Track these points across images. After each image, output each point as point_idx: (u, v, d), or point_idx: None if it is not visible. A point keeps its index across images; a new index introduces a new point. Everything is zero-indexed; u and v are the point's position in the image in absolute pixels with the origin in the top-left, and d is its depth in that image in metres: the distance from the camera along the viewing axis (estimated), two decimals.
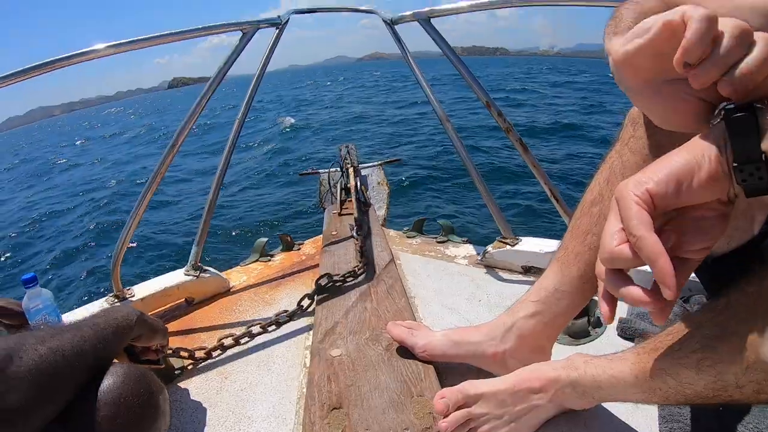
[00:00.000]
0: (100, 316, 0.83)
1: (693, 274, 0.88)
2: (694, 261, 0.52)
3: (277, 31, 1.59)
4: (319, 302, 1.34)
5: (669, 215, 0.51)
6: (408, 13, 1.60)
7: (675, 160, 0.48)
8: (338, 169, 2.42)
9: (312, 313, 1.34)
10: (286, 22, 1.60)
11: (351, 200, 2.08)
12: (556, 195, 1.47)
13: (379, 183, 2.51)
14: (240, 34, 1.50)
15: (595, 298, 0.77)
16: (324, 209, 2.28)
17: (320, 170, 2.55)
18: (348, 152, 2.49)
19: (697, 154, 0.47)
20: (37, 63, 1.19)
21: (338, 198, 2.20)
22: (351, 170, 2.31)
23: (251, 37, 1.51)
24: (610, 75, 0.57)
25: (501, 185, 4.94)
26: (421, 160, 6.50)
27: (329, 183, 2.41)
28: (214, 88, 1.49)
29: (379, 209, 2.27)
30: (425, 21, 1.54)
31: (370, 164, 2.60)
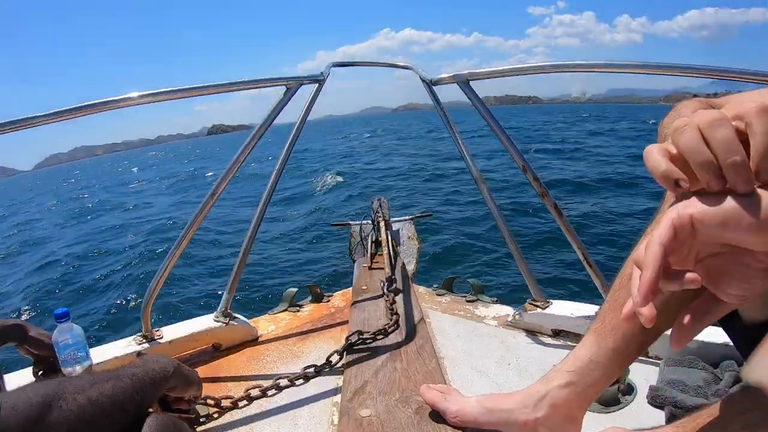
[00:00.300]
0: (138, 367, 0.84)
1: (728, 339, 0.86)
2: (723, 305, 0.50)
3: (317, 86, 1.64)
4: (347, 359, 1.33)
5: (715, 250, 0.49)
6: (447, 75, 1.64)
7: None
8: (370, 221, 2.45)
9: (340, 370, 1.33)
10: (327, 77, 1.66)
11: (381, 254, 2.09)
12: (590, 262, 1.45)
13: (409, 237, 2.52)
14: (284, 88, 1.55)
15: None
16: (354, 261, 2.29)
17: (352, 222, 2.58)
18: (380, 205, 2.52)
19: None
20: (75, 106, 1.26)
21: (369, 251, 2.21)
22: (382, 223, 2.33)
23: (295, 92, 1.56)
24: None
25: (535, 246, 4.90)
26: (454, 214, 6.51)
27: (360, 235, 2.43)
28: (256, 141, 1.54)
29: (408, 263, 2.27)
30: (464, 83, 1.58)
31: (402, 218, 2.62)
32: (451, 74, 1.63)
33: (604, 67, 1.45)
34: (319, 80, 1.62)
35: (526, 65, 1.57)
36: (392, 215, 2.61)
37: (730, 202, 0.45)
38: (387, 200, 2.63)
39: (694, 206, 0.47)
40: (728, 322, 0.87)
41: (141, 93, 1.33)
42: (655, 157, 0.48)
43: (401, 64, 2.18)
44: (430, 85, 1.69)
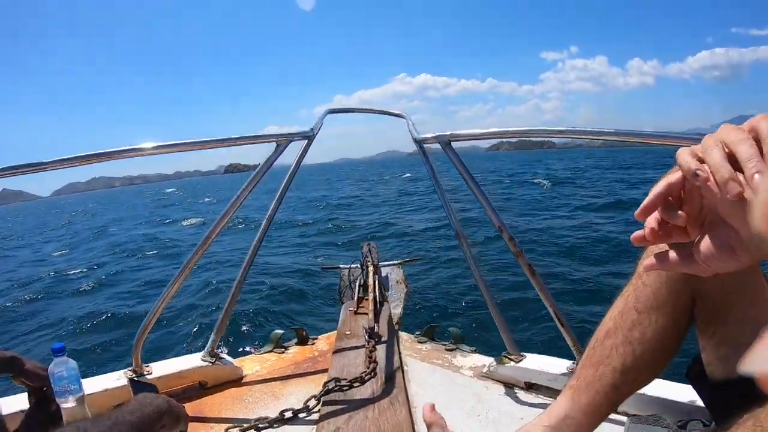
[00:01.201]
0: (135, 412, 0.92)
1: (694, 397, 0.92)
2: (691, 263, 0.58)
3: (307, 141, 1.72)
4: (324, 404, 1.39)
5: (716, 218, 0.56)
6: (431, 135, 1.74)
7: None
8: (359, 265, 2.53)
9: (317, 414, 1.39)
10: (318, 132, 1.75)
11: (368, 299, 2.16)
12: (562, 321, 1.52)
13: (398, 282, 2.60)
14: (275, 145, 1.62)
15: None
16: (342, 303, 2.36)
17: (342, 266, 2.66)
18: (369, 250, 2.61)
19: None
20: (89, 153, 1.38)
21: (356, 294, 2.29)
22: (371, 268, 2.41)
23: (285, 149, 1.64)
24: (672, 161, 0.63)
25: (513, 300, 4.97)
26: (443, 260, 6.56)
27: (349, 279, 2.51)
28: (247, 194, 1.61)
29: (395, 308, 2.33)
30: (446, 144, 1.66)
31: (391, 263, 2.70)
32: (435, 134, 1.72)
33: (578, 134, 1.56)
34: (308, 136, 1.71)
35: (505, 129, 1.65)
36: (383, 258, 2.69)
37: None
38: (376, 245, 2.72)
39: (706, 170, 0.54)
40: (697, 380, 0.94)
41: (145, 144, 1.44)
42: (685, 157, 0.55)
43: (394, 112, 2.30)
44: (418, 143, 1.79)
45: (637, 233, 0.61)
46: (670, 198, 0.59)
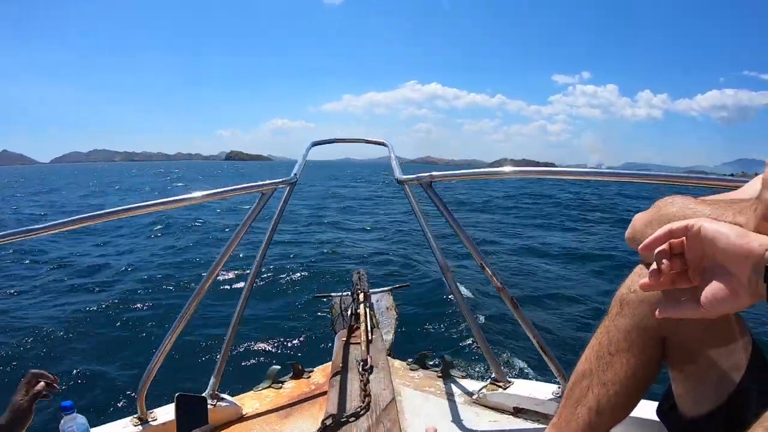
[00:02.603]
0: None
1: None
2: (695, 308, 0.69)
3: (290, 188, 1.80)
4: None
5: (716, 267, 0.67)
6: (412, 177, 1.81)
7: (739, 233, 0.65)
8: (350, 294, 2.61)
9: None
10: (298, 179, 1.82)
11: (359, 326, 2.24)
12: (546, 351, 1.61)
13: (387, 308, 2.68)
14: (260, 195, 1.68)
15: None
16: (335, 332, 2.43)
17: (333, 294, 2.74)
18: (359, 278, 2.69)
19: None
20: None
21: (348, 323, 2.36)
22: (361, 296, 2.49)
23: (270, 196, 1.70)
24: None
25: (501, 326, 5.09)
26: (434, 287, 6.61)
27: (341, 307, 2.58)
28: (237, 242, 1.66)
29: (386, 334, 2.41)
30: (427, 185, 1.73)
31: (380, 290, 2.78)
32: (415, 176, 1.79)
33: (567, 174, 1.66)
34: (291, 183, 1.78)
35: (487, 170, 1.76)
36: (373, 285, 2.77)
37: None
38: (366, 272, 2.80)
39: (708, 222, 0.68)
40: (667, 415, 1.03)
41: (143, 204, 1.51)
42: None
43: (375, 140, 2.39)
44: (400, 183, 1.88)
45: (644, 282, 0.72)
46: (672, 241, 0.70)
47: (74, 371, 4.31)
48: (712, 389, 0.89)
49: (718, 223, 0.67)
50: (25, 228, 1.36)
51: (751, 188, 0.90)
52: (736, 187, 1.00)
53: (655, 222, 0.86)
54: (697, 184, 1.34)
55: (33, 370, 1.30)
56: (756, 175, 0.89)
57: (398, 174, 1.90)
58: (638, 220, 0.95)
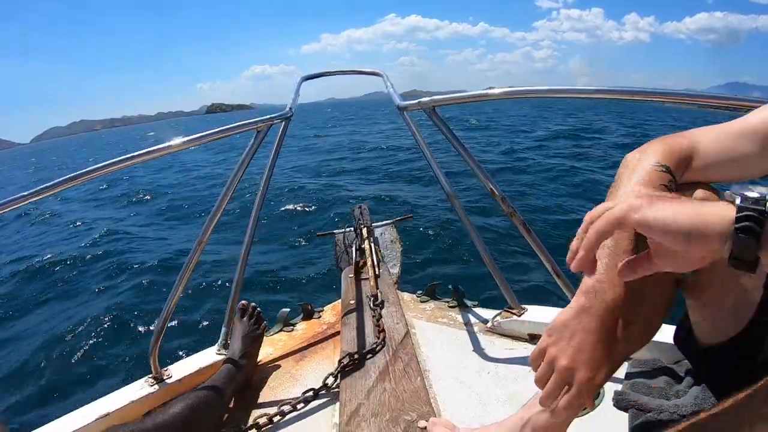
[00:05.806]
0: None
1: (680, 353, 0.98)
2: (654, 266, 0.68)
3: (285, 122, 1.72)
4: (342, 380, 1.46)
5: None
6: (414, 102, 1.73)
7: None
8: (352, 229, 2.55)
9: (336, 390, 1.46)
10: (294, 112, 1.76)
11: (365, 261, 2.20)
12: (559, 274, 1.58)
13: (392, 241, 2.63)
14: (255, 132, 1.61)
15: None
16: (341, 269, 2.40)
17: (335, 231, 2.68)
18: (361, 213, 2.62)
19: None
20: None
21: (353, 259, 2.32)
22: (365, 231, 2.43)
23: (267, 133, 1.62)
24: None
25: (510, 253, 5.04)
26: (438, 217, 6.55)
27: (344, 243, 2.54)
28: (236, 184, 1.60)
29: (393, 267, 2.38)
30: (430, 110, 1.66)
31: (383, 223, 2.72)
32: (418, 101, 1.72)
33: (565, 93, 1.55)
34: (287, 117, 1.70)
35: (489, 92, 1.63)
36: (374, 219, 2.71)
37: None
38: (367, 206, 2.74)
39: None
40: (684, 342, 0.99)
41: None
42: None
43: (368, 70, 2.27)
44: (401, 110, 1.78)
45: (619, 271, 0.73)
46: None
47: (82, 342, 4.29)
48: (730, 317, 0.85)
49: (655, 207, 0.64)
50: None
51: (756, 117, 0.81)
52: (736, 108, 0.93)
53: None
54: (691, 103, 1.23)
55: (241, 302, 1.73)
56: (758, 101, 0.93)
57: (398, 101, 1.81)
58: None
